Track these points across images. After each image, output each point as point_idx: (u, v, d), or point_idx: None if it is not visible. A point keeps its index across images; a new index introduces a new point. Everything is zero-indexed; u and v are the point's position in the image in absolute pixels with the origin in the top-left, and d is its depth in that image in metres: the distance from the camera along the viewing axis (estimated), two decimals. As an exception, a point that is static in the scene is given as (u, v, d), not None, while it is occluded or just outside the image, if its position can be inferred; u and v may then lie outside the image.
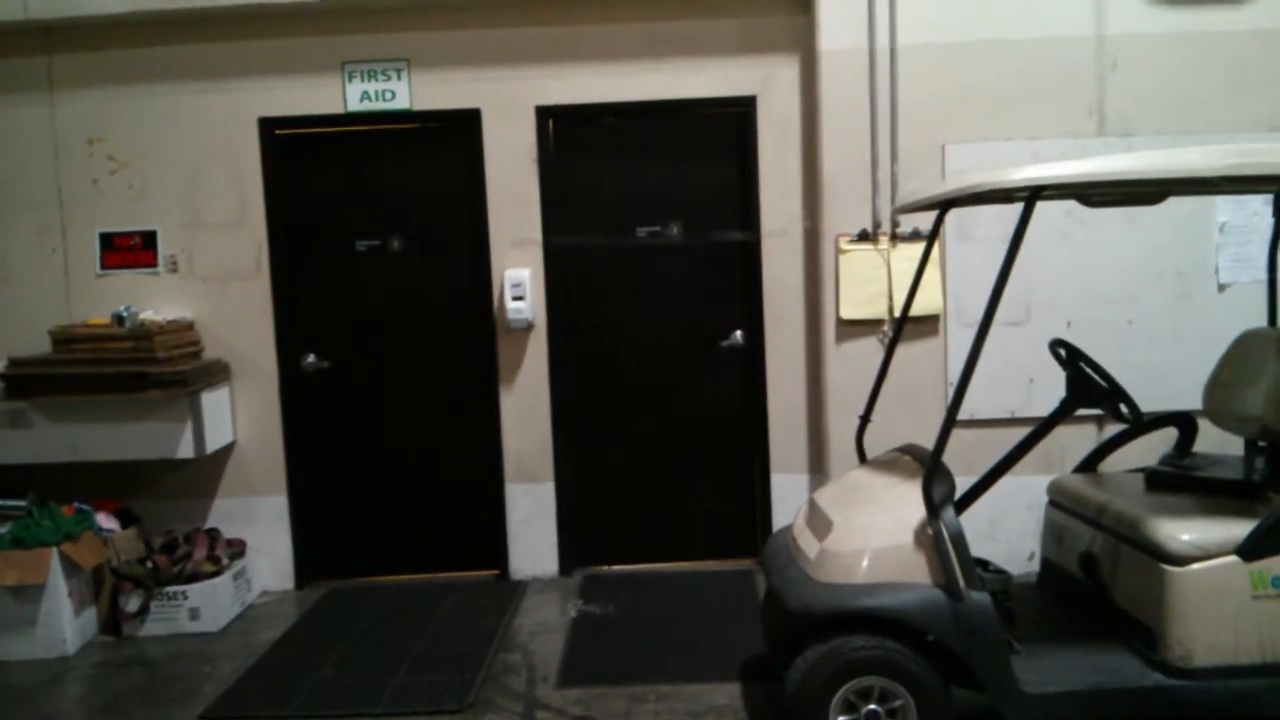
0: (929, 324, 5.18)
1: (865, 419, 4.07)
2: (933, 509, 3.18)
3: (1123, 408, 3.51)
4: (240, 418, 5.53)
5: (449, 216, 5.51)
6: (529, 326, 5.43)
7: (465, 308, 5.54)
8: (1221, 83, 5.07)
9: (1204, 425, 3.91)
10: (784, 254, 5.42)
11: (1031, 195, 3.09)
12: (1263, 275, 5.11)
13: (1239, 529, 3.16)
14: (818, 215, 5.26)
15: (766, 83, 5.35)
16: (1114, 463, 4.13)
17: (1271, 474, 3.52)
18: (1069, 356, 3.58)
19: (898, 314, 4.93)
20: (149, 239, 5.46)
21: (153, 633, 4.96)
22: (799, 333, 5.45)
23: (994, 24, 5.08)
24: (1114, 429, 4.60)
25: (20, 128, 5.42)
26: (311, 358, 5.58)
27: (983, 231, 5.11)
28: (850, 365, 5.21)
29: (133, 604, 4.93)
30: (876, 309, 5.18)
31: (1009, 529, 5.24)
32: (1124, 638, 3.38)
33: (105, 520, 5.10)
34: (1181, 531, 3.18)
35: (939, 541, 3.14)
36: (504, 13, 5.32)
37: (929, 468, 3.22)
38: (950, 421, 3.18)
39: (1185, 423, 3.94)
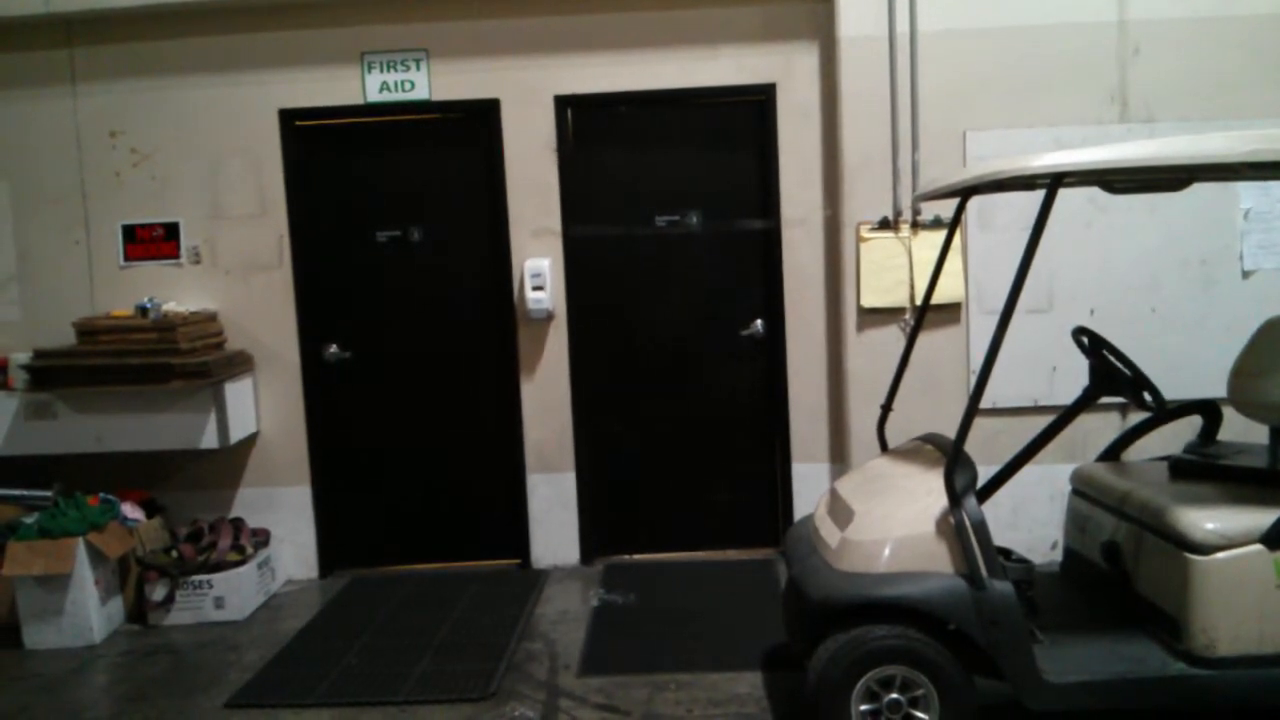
0: (951, 312, 5.16)
1: (886, 408, 4.05)
2: (955, 498, 3.17)
3: (1146, 396, 3.48)
4: (263, 408, 5.57)
5: (469, 207, 5.52)
6: (549, 316, 5.44)
7: (485, 298, 5.56)
8: (1245, 68, 5.02)
9: (1228, 413, 3.88)
10: (804, 242, 5.40)
11: (1053, 182, 3.07)
12: (1288, 261, 5.08)
13: (1264, 517, 3.13)
14: (838, 203, 5.24)
15: (786, 70, 5.33)
16: (1137, 451, 4.11)
17: (1297, 462, 3.50)
18: (1092, 344, 3.56)
19: (919, 302, 4.92)
20: (171, 230, 5.49)
21: (178, 621, 5.00)
22: (820, 321, 5.44)
23: (1015, 9, 5.04)
24: (1137, 417, 4.57)
25: (43, 121, 5.46)
26: (333, 348, 5.60)
27: (1004, 219, 5.08)
28: (871, 354, 5.20)
29: (158, 593, 4.98)
30: (897, 297, 5.16)
31: (1032, 518, 5.22)
32: (1147, 627, 3.37)
33: (130, 510, 5.14)
34: (1206, 520, 3.16)
35: (961, 530, 3.13)
36: (522, 2, 5.32)
37: (951, 456, 3.21)
38: (972, 410, 3.16)
39: (1209, 411, 3.91)
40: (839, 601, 3.19)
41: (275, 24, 5.37)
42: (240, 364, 5.39)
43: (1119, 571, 3.55)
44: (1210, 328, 5.09)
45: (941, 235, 5.07)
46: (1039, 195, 3.98)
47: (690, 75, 5.36)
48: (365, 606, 5.12)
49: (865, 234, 5.15)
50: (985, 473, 3.48)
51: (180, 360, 4.93)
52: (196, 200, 5.48)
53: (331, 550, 5.68)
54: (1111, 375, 3.49)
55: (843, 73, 5.12)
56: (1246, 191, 5.04)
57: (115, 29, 5.38)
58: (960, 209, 3.90)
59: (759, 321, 5.52)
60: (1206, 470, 3.61)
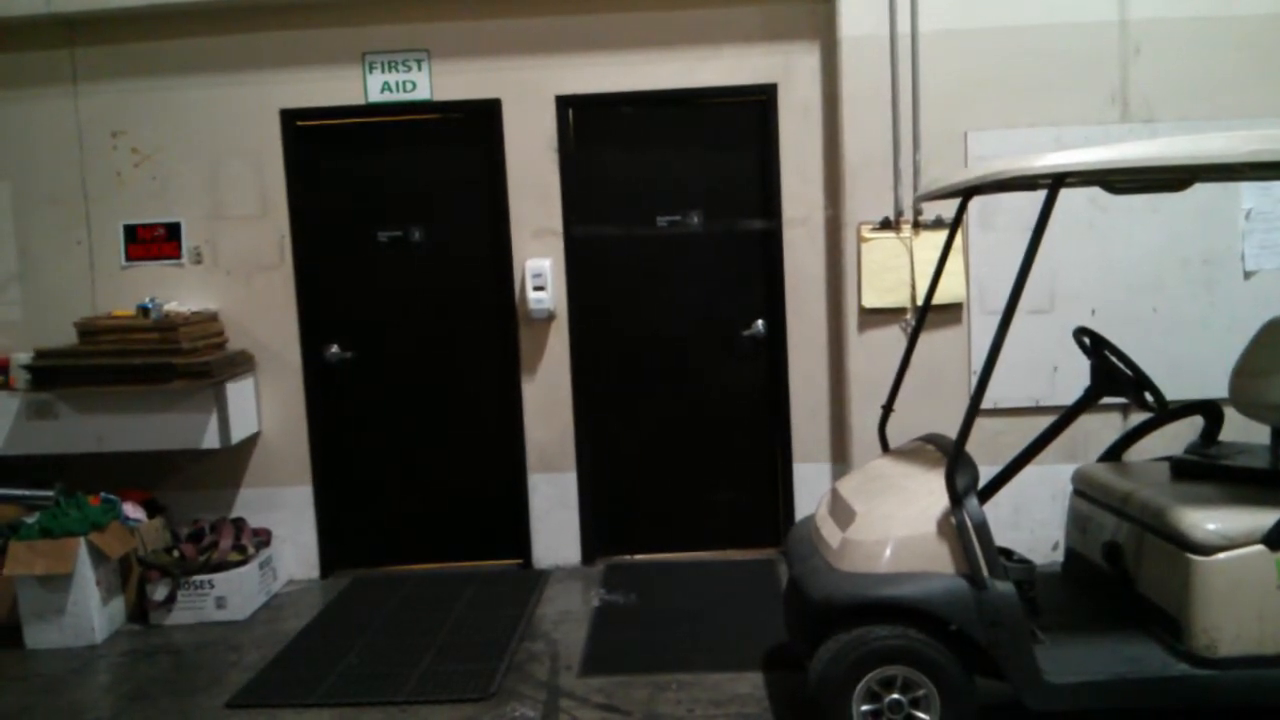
0: (952, 312, 5.16)
1: (888, 408, 4.05)
2: (956, 498, 3.17)
3: (1148, 396, 3.48)
4: (265, 408, 5.57)
5: (470, 207, 5.52)
6: (550, 316, 5.44)
7: (486, 298, 5.56)
8: (1246, 68, 5.02)
9: (1230, 414, 3.87)
10: (805, 242, 5.40)
11: (1055, 182, 3.07)
12: (1290, 262, 5.08)
13: (1266, 518, 3.13)
14: (839, 203, 5.24)
15: (787, 70, 5.33)
16: (1139, 451, 4.11)
17: (1298, 462, 3.49)
18: (1093, 344, 3.56)
19: (920, 302, 4.92)
20: (173, 231, 5.49)
21: (180, 621, 5.00)
22: (821, 321, 5.44)
23: (1016, 9, 5.04)
24: (1139, 417, 4.57)
25: (44, 121, 5.46)
26: (335, 348, 5.60)
27: (1006, 219, 5.08)
28: (872, 354, 5.19)
29: (160, 593, 4.98)
30: (899, 297, 5.16)
31: (1033, 518, 5.22)
32: (1148, 627, 3.36)
33: (132, 510, 5.14)
34: (1207, 520, 3.16)
35: (962, 531, 3.13)
36: (524, 2, 5.32)
37: (952, 457, 3.20)
38: (974, 410, 3.16)
39: (1211, 411, 3.90)
40: (840, 602, 3.19)
41: (277, 24, 5.37)
42: (241, 364, 5.39)
43: (1120, 572, 3.55)
44: (1212, 328, 5.09)
45: (943, 235, 5.07)
46: (1040, 195, 3.98)
47: (691, 75, 5.36)
48: (366, 607, 5.12)
49: (866, 234, 5.15)
50: (987, 473, 3.48)
51: (182, 360, 4.93)
52: (198, 200, 5.48)
53: (333, 550, 5.68)
54: (1113, 375, 3.49)
55: (844, 72, 5.12)
56: (1248, 192, 5.04)
57: (116, 29, 5.38)
58: (961, 209, 3.90)
59: (760, 321, 5.52)
60: (1208, 471, 3.61)
